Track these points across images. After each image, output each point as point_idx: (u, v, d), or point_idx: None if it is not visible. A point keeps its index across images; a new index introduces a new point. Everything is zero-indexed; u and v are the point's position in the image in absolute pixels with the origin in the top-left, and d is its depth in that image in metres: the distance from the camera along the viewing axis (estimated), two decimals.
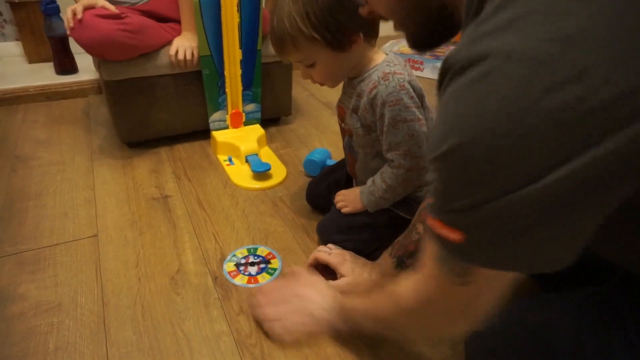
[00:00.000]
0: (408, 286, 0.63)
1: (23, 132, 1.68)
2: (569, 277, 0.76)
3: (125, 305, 0.97)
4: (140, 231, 1.19)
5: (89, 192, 1.34)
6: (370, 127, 0.99)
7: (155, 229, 1.20)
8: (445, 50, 2.47)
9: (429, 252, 0.55)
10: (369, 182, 1.04)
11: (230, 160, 1.50)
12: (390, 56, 0.98)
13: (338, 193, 1.12)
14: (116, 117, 1.51)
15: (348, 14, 0.86)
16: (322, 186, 1.23)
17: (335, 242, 1.07)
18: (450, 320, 0.61)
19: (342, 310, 0.83)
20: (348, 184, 1.19)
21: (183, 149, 1.58)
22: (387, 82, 0.92)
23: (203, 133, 1.61)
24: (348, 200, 1.08)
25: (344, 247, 1.05)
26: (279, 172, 1.44)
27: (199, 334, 0.91)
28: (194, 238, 1.17)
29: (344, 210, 1.08)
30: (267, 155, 1.54)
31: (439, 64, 2.34)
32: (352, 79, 1.01)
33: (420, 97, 0.96)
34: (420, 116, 0.93)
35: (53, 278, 1.04)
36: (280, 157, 1.54)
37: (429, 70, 2.33)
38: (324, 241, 1.11)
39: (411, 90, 0.92)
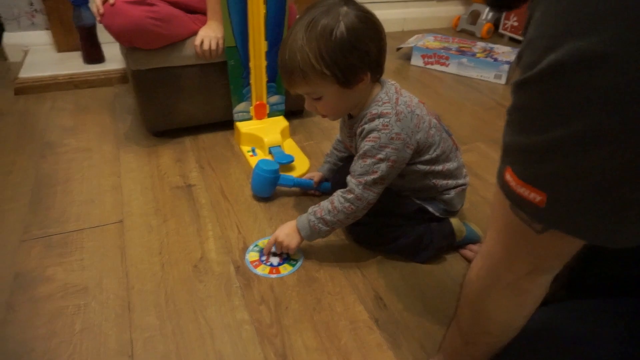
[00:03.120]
0: (472, 268, 0.62)
1: (51, 120, 1.72)
2: (600, 285, 0.74)
3: (149, 291, 0.98)
4: (165, 219, 1.20)
5: (115, 179, 1.37)
6: None
7: (179, 217, 1.21)
8: (473, 44, 2.42)
9: (499, 217, 0.53)
10: (311, 208, 1.04)
11: (253, 151, 1.50)
12: (384, 92, 0.98)
13: (268, 244, 1.08)
14: (142, 106, 1.53)
15: (359, 55, 0.89)
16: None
17: (360, 224, 1.07)
18: (514, 300, 0.58)
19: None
20: None
21: (207, 139, 1.59)
22: (372, 123, 0.95)
23: (227, 124, 1.62)
24: (283, 232, 1.04)
25: (367, 230, 1.06)
26: (301, 164, 1.44)
27: (220, 322, 0.92)
28: (217, 227, 1.18)
29: (278, 251, 1.06)
30: (290, 147, 1.54)
31: (465, 60, 2.29)
32: (350, 118, 1.03)
33: (411, 135, 0.95)
34: (393, 157, 0.94)
35: (79, 262, 1.06)
36: (303, 150, 1.53)
37: (455, 66, 2.29)
38: (348, 226, 1.11)
39: (394, 130, 0.93)
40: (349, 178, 0.99)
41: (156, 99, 1.50)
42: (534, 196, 0.44)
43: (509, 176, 0.47)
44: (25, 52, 2.16)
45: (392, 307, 0.96)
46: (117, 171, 1.41)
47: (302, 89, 0.96)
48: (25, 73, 1.95)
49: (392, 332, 0.90)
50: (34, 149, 1.51)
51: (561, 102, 0.38)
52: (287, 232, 1.04)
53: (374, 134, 0.94)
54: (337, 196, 1.00)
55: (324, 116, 1.01)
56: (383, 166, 0.94)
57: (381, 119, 0.93)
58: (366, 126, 0.95)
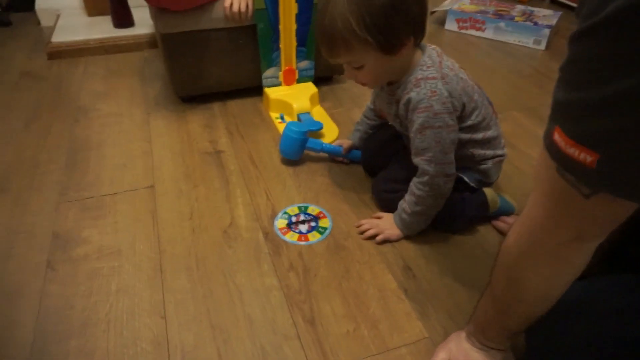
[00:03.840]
0: (510, 235, 0.60)
1: (84, 84, 1.74)
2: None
3: (180, 255, 1.00)
4: (194, 184, 1.21)
5: (146, 144, 1.38)
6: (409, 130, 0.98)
7: (208, 182, 1.22)
8: (511, 7, 2.30)
9: (543, 180, 0.51)
10: (400, 202, 1.02)
11: (282, 117, 1.48)
12: (427, 56, 0.93)
13: (367, 221, 1.07)
14: (171, 71, 1.52)
15: (402, 18, 0.84)
16: (381, 154, 1.18)
17: (390, 191, 1.06)
18: (553, 268, 0.57)
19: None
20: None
21: (235, 105, 1.58)
22: (418, 89, 0.91)
23: (255, 89, 1.60)
24: (382, 227, 1.04)
25: (397, 198, 1.04)
26: (330, 131, 1.42)
27: (250, 287, 0.93)
28: (246, 193, 1.18)
29: (377, 239, 1.03)
30: (319, 114, 1.51)
31: (502, 24, 2.19)
32: (390, 84, 0.98)
33: (458, 98, 0.92)
34: (451, 122, 0.91)
35: (113, 225, 1.09)
36: (332, 117, 1.51)
37: (491, 30, 2.19)
38: (377, 193, 1.11)
39: (444, 94, 0.89)
40: (415, 159, 0.96)
41: (185, 63, 1.49)
42: (585, 156, 0.41)
43: (557, 136, 0.45)
44: (57, 16, 2.17)
45: (421, 277, 0.95)
46: (148, 136, 1.42)
47: (343, 58, 0.91)
48: (58, 37, 1.97)
49: (421, 302, 0.90)
50: (68, 113, 1.54)
51: (627, 51, 0.35)
52: (390, 223, 1.04)
53: (424, 104, 0.90)
54: (414, 184, 0.98)
55: (363, 84, 0.98)
56: (444, 134, 0.91)
57: (428, 85, 0.90)
58: (413, 95, 0.91)
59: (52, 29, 2.08)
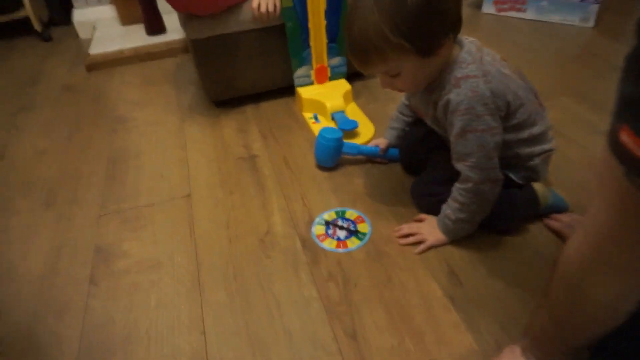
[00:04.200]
0: (570, 244, 0.55)
1: (120, 94, 1.77)
2: None
3: (218, 266, 0.99)
4: (230, 191, 1.20)
5: (181, 152, 1.38)
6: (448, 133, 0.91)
7: (243, 189, 1.21)
8: None
9: (608, 185, 0.46)
10: (443, 207, 0.96)
11: (315, 118, 1.45)
12: (466, 51, 0.86)
13: (408, 226, 1.02)
14: (203, 76, 1.51)
15: (438, 17, 0.78)
16: (420, 150, 1.13)
17: (431, 195, 1.01)
18: (623, 281, 0.51)
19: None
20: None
21: (268, 107, 1.56)
22: (458, 90, 0.84)
23: (288, 90, 1.57)
24: (425, 232, 0.99)
25: (438, 201, 0.98)
26: (366, 129, 1.37)
27: (288, 298, 0.90)
28: (282, 199, 1.16)
29: (420, 248, 0.97)
30: (353, 111, 1.47)
31: (545, 3, 2.05)
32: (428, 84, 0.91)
33: (502, 96, 0.84)
34: (494, 124, 0.84)
35: (152, 237, 1.09)
36: (368, 114, 1.46)
37: (533, 10, 2.05)
38: (417, 197, 1.06)
39: (486, 94, 0.82)
40: (457, 165, 0.90)
41: (216, 67, 1.48)
42: None
43: (625, 136, 0.39)
44: (94, 28, 2.22)
45: (468, 284, 0.90)
46: (183, 143, 1.42)
47: (377, 68, 0.86)
48: (95, 49, 2.01)
49: (469, 312, 0.84)
50: (106, 124, 1.57)
51: None
52: (432, 228, 0.98)
53: (465, 105, 0.83)
54: (457, 190, 0.92)
55: (401, 91, 0.92)
56: (487, 137, 0.84)
57: (468, 84, 0.83)
58: (452, 96, 0.84)
59: (89, 41, 2.13)
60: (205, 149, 1.39)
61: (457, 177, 0.93)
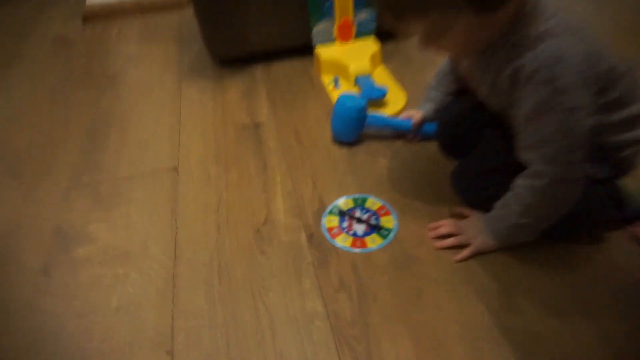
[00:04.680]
0: None
1: (117, 49, 1.56)
2: None
3: (201, 262, 0.78)
4: (225, 167, 0.98)
5: (174, 118, 1.17)
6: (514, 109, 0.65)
7: (242, 165, 0.99)
8: None
9: None
10: (498, 204, 0.71)
11: (336, 82, 1.21)
12: (541, 2, 0.60)
13: (446, 222, 0.78)
14: (206, 30, 1.28)
15: None
16: (465, 127, 0.88)
17: (478, 188, 0.78)
18: None
19: None
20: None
21: (281, 69, 1.32)
22: (533, 52, 0.59)
23: (305, 50, 1.32)
24: (469, 233, 0.75)
25: (487, 195, 0.74)
26: (396, 98, 1.13)
27: (285, 313, 0.69)
28: (288, 180, 0.93)
29: (463, 254, 0.74)
30: (382, 77, 1.22)
31: None
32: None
33: (595, 64, 0.60)
34: (584, 102, 0.59)
35: (125, 218, 0.89)
36: (400, 80, 1.20)
37: None
38: (460, 187, 0.82)
39: (575, 60, 0.57)
40: (525, 155, 0.65)
41: (222, 20, 1.24)
42: None
43: None
44: None
45: (528, 310, 0.66)
46: (178, 108, 1.21)
47: (416, 25, 0.62)
48: None
49: (529, 350, 0.61)
50: (95, 83, 1.38)
51: None
52: (480, 229, 0.75)
53: (544, 74, 0.58)
54: (523, 188, 0.67)
55: (450, 57, 0.71)
56: (574, 120, 0.59)
57: (549, 46, 0.58)
58: (525, 61, 0.59)
59: None
60: (203, 114, 1.17)
61: (515, 166, 0.69)
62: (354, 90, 1.15)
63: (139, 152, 1.06)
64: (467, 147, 0.86)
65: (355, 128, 0.98)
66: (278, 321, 0.68)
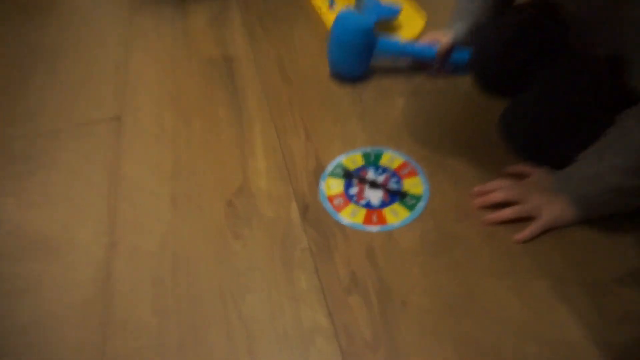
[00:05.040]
0: None
1: None
2: None
3: (147, 252, 0.55)
4: (186, 116, 0.73)
5: (120, 52, 0.90)
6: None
7: (209, 112, 0.74)
8: None
9: None
10: (583, 156, 0.51)
11: (331, 2, 0.94)
12: None
13: (494, 185, 0.55)
14: None
15: None
16: (514, 54, 0.63)
17: (540, 146, 0.57)
18: None
19: None
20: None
21: None
22: None
23: None
24: (532, 202, 0.53)
25: (553, 154, 0.54)
26: (411, 20, 0.89)
27: (269, 327, 0.46)
28: (271, 130, 0.69)
29: (529, 230, 0.51)
30: None
31: None
32: None
33: None
34: None
35: (43, 189, 0.64)
36: None
37: None
38: (515, 137, 0.60)
39: None
40: None
41: None
42: None
43: None
44: None
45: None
46: (125, 39, 0.94)
47: None
48: None
49: None
50: (22, 7, 1.08)
51: None
52: (549, 194, 0.53)
53: None
54: (636, 130, 0.46)
55: None
56: None
57: None
58: None
59: None
60: (158, 47, 0.91)
61: (597, 109, 0.46)
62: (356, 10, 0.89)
63: (69, 98, 0.80)
64: (516, 84, 0.63)
65: (361, 58, 0.74)
66: (261, 341, 0.45)
